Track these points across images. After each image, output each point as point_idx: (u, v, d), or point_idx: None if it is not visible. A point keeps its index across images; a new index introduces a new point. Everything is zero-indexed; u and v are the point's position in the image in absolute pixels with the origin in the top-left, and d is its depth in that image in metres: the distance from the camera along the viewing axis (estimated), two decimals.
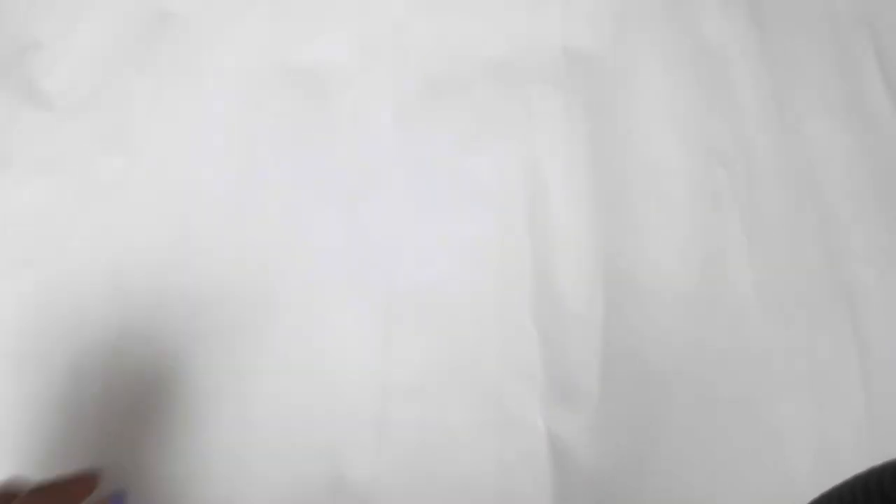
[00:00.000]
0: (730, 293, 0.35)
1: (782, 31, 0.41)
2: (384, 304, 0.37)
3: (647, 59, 0.41)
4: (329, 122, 0.42)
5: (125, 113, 0.45)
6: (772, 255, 0.35)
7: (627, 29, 0.42)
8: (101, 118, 0.45)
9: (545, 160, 0.39)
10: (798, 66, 0.40)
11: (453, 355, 0.35)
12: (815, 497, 0.18)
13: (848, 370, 0.32)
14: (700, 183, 0.37)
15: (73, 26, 0.48)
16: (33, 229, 0.42)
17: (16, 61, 0.47)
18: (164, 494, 0.34)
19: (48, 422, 0.36)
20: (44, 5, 0.49)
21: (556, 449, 0.32)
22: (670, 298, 0.35)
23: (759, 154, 0.38)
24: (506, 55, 0.42)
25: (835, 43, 0.40)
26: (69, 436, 0.36)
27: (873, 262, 0.34)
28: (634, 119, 0.40)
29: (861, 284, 0.34)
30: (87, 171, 0.43)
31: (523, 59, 0.42)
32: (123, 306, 0.39)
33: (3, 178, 0.43)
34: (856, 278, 0.34)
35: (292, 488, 0.33)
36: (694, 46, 0.41)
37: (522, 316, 0.35)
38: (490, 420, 0.33)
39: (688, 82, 0.40)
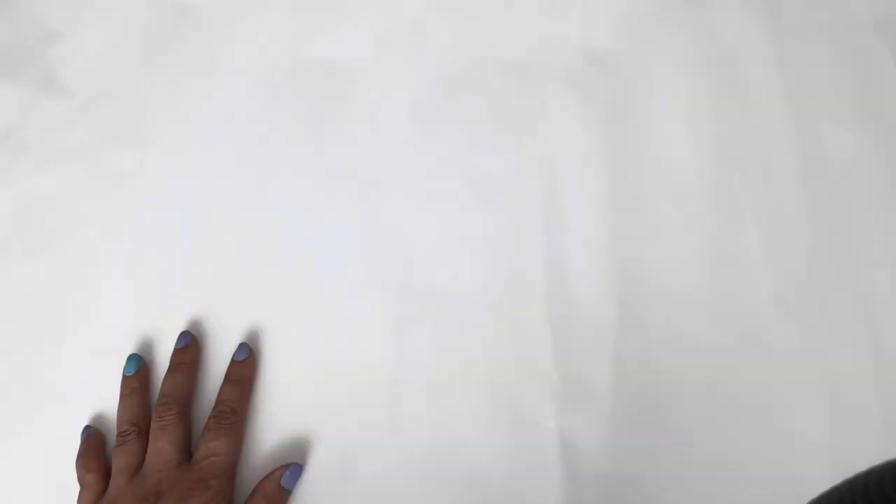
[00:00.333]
0: (745, 296, 0.35)
1: (800, 36, 0.41)
2: (397, 301, 0.37)
3: (663, 60, 0.41)
4: (345, 118, 0.42)
5: (142, 104, 0.45)
6: (788, 260, 0.35)
7: (645, 30, 0.42)
8: (119, 108, 0.45)
9: (560, 160, 0.39)
10: (816, 71, 0.40)
11: (465, 353, 0.35)
12: (815, 497, 0.18)
13: (863, 376, 0.32)
14: (716, 186, 0.37)
15: (93, 17, 0.48)
16: (49, 216, 0.42)
17: (36, 51, 0.48)
18: None
19: (53, 411, 0.37)
20: None
21: (566, 448, 0.32)
22: (684, 300, 0.35)
23: (775, 158, 0.38)
24: (523, 54, 0.43)
25: (853, 48, 0.40)
26: (88, 422, 0.36)
27: (890, 268, 0.34)
28: (650, 120, 0.40)
29: (877, 290, 0.34)
30: (103, 161, 0.43)
31: (540, 58, 0.42)
32: (135, 296, 0.39)
33: (21, 165, 0.44)
34: (872, 284, 0.34)
35: (303, 483, 0.33)
36: (711, 49, 0.41)
37: (535, 315, 0.35)
38: (501, 418, 0.33)
39: (705, 85, 0.40)
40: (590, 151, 0.39)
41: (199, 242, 0.40)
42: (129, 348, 0.37)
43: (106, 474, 0.33)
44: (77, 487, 0.33)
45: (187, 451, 0.33)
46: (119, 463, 0.33)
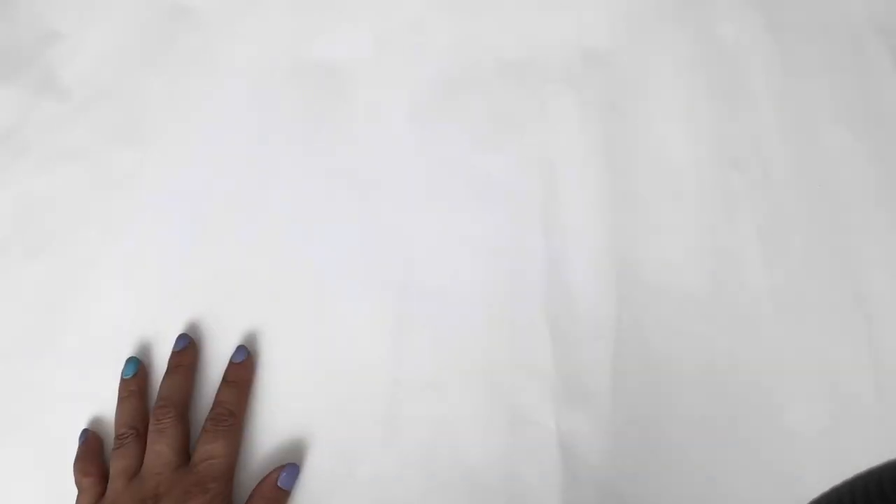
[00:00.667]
0: (743, 296, 0.35)
1: (798, 36, 0.41)
2: (396, 301, 0.37)
3: (662, 60, 0.41)
4: (344, 119, 0.42)
5: (141, 105, 0.45)
6: (786, 259, 0.35)
7: (643, 30, 0.42)
8: (118, 109, 0.45)
9: (559, 159, 0.39)
10: (814, 71, 0.40)
11: (465, 352, 0.35)
12: (815, 498, 0.18)
13: (861, 374, 0.32)
14: (714, 185, 0.37)
15: (93, 18, 0.48)
16: (48, 217, 0.42)
17: (36, 52, 0.48)
18: None
19: (51, 414, 0.37)
20: None
21: (565, 447, 0.32)
22: (683, 299, 0.35)
23: (773, 158, 0.38)
24: (522, 54, 0.42)
25: (851, 48, 0.40)
26: (85, 425, 0.36)
27: (888, 268, 0.34)
28: (649, 120, 0.39)
29: (875, 290, 0.34)
30: (103, 161, 0.43)
31: (539, 58, 0.42)
32: (135, 297, 0.39)
33: (20, 166, 0.44)
34: (870, 284, 0.34)
35: (301, 482, 0.33)
36: (709, 49, 0.41)
37: (534, 314, 0.35)
38: (501, 418, 0.33)
39: (703, 84, 0.40)
40: (589, 151, 0.39)
41: (197, 243, 0.40)
42: (128, 351, 0.37)
43: (104, 478, 0.33)
44: (75, 491, 0.33)
45: (185, 454, 0.33)
46: (117, 466, 0.33)
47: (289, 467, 0.33)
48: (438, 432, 0.34)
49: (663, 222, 0.37)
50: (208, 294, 0.38)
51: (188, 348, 0.36)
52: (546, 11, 0.44)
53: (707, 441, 0.32)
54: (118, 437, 0.34)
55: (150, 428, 0.33)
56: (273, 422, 0.35)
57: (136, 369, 0.36)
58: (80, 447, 0.35)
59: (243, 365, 0.35)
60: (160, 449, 0.32)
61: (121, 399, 0.35)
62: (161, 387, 0.35)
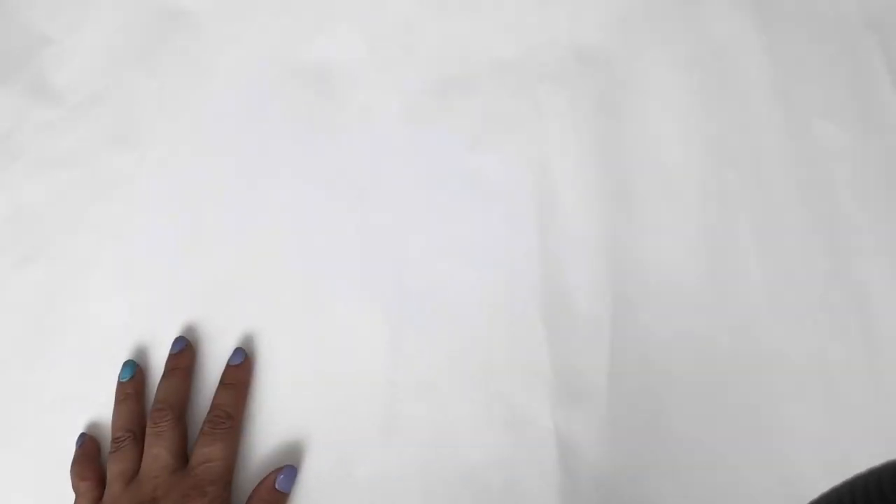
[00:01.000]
0: (739, 294, 0.35)
1: (790, 33, 0.41)
2: (392, 302, 0.37)
3: (655, 58, 0.41)
4: (338, 120, 0.42)
5: (134, 109, 0.45)
6: (781, 256, 0.35)
7: (636, 29, 0.42)
8: (111, 114, 0.45)
9: (554, 159, 0.39)
10: (806, 67, 0.40)
11: (461, 353, 0.35)
12: (814, 498, 0.18)
13: (859, 372, 0.32)
14: (708, 183, 0.37)
15: (84, 22, 0.48)
16: (42, 222, 0.42)
17: (27, 57, 0.47)
18: None
19: (48, 419, 0.36)
20: (55, 1, 0.49)
21: (563, 447, 0.32)
22: (679, 298, 0.35)
23: (767, 153, 0.38)
24: (515, 54, 0.42)
25: (843, 44, 0.40)
26: (82, 429, 0.36)
27: (884, 264, 0.34)
28: (643, 118, 0.39)
29: (872, 286, 0.34)
30: (96, 167, 0.43)
31: (532, 58, 0.42)
32: (131, 300, 0.39)
33: (13, 172, 0.44)
34: (866, 280, 0.34)
35: (300, 484, 0.33)
36: (702, 47, 0.41)
37: (531, 314, 0.35)
38: (498, 418, 0.33)
39: (696, 82, 0.40)
40: (583, 150, 0.39)
41: (192, 247, 0.40)
42: (124, 354, 0.37)
43: (101, 482, 0.33)
44: (72, 495, 0.33)
45: (183, 457, 0.33)
46: (114, 470, 0.33)
47: (287, 469, 0.33)
48: (436, 433, 0.34)
49: (658, 221, 0.37)
50: (205, 296, 0.38)
51: (185, 351, 0.36)
52: (539, 11, 0.44)
53: (705, 440, 0.32)
54: (115, 440, 0.34)
55: (148, 431, 0.33)
56: (271, 424, 0.35)
57: (133, 372, 0.36)
58: (76, 451, 0.34)
59: (241, 367, 0.35)
60: (157, 452, 0.32)
61: (117, 402, 0.35)
62: (158, 390, 0.35)
